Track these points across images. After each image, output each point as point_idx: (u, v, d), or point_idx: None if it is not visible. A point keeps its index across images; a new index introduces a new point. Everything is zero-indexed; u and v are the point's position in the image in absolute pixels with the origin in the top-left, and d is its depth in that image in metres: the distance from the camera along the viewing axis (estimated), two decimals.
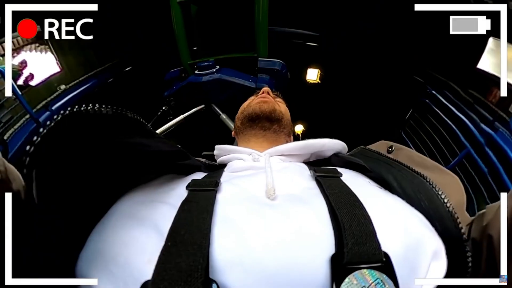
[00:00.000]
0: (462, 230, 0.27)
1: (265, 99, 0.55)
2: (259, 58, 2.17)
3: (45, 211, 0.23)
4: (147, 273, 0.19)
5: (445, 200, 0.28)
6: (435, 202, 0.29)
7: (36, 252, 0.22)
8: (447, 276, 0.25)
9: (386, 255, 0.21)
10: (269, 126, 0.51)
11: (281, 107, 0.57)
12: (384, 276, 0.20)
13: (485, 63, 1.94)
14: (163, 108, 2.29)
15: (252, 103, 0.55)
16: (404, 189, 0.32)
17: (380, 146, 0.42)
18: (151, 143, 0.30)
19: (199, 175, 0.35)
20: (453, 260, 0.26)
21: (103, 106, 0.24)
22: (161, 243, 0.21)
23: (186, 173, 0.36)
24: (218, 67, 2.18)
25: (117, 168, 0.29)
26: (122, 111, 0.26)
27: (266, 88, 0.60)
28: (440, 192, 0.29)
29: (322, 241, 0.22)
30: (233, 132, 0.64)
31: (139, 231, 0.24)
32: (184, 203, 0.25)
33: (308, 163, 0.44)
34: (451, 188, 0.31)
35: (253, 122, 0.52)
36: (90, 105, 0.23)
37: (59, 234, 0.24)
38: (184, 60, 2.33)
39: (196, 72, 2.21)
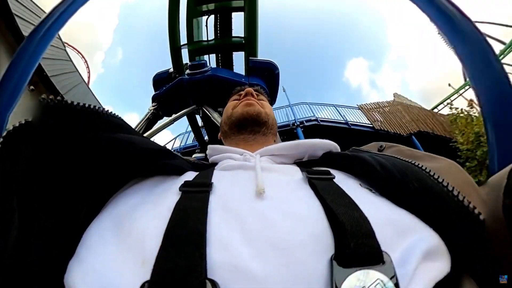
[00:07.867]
0: (470, 205, 0.23)
1: (250, 102, 0.54)
2: (250, 58, 2.14)
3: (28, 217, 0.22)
4: (143, 275, 0.19)
5: (440, 180, 0.26)
6: (426, 182, 0.27)
7: None
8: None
9: (387, 256, 0.21)
10: (258, 129, 0.51)
11: (265, 107, 0.57)
12: (384, 277, 0.19)
13: None
14: (151, 110, 2.22)
15: (237, 109, 0.54)
16: (389, 170, 0.30)
17: (372, 147, 0.42)
18: (137, 140, 0.30)
19: (190, 175, 0.35)
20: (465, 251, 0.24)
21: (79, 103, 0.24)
22: (155, 245, 0.21)
23: (176, 173, 0.35)
24: (210, 66, 2.15)
25: (104, 169, 0.29)
26: (97, 108, 0.26)
27: (248, 89, 0.59)
28: (432, 173, 0.27)
29: (321, 241, 0.22)
30: (219, 134, 0.64)
31: (129, 240, 0.23)
32: (179, 204, 0.26)
33: (300, 163, 0.43)
34: (448, 172, 0.29)
35: (241, 127, 0.51)
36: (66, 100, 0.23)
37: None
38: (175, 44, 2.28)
39: (188, 71, 2.17)
